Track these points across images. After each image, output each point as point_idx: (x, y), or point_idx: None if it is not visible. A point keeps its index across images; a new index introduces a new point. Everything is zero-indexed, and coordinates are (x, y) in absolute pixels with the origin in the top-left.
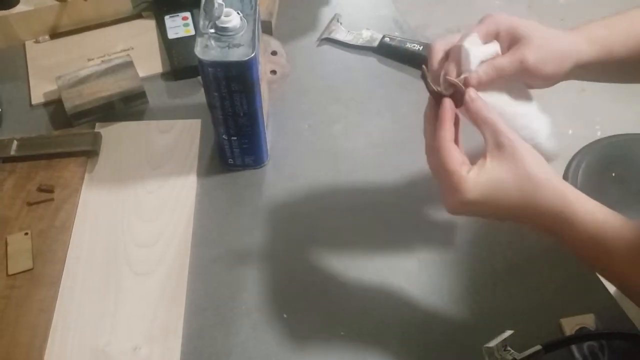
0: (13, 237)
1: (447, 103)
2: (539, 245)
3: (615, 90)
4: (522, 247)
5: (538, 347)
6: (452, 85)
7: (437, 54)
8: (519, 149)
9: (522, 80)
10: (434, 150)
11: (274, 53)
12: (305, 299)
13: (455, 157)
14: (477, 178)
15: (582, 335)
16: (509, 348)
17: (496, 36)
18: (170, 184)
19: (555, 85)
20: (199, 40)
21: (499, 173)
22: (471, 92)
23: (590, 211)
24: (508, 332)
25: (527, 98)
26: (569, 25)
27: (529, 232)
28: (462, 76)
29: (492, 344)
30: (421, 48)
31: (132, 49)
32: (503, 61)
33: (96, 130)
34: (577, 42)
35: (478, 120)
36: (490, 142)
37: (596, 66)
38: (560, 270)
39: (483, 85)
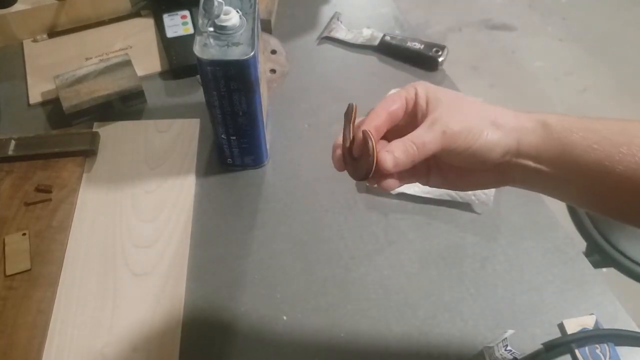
0: (10, 237)
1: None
2: (539, 245)
3: (617, 90)
4: (522, 247)
5: (539, 347)
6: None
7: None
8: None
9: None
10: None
11: (273, 52)
12: (304, 300)
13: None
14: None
15: (583, 336)
16: (510, 348)
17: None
18: (168, 184)
19: (556, 86)
20: (197, 39)
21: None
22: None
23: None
24: (509, 332)
25: None
26: (570, 24)
27: (529, 232)
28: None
29: (493, 343)
30: (422, 47)
31: (131, 47)
32: (422, 134)
33: (94, 129)
34: (520, 120)
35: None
36: (417, 137)
37: (549, 167)
38: (562, 270)
39: (400, 168)
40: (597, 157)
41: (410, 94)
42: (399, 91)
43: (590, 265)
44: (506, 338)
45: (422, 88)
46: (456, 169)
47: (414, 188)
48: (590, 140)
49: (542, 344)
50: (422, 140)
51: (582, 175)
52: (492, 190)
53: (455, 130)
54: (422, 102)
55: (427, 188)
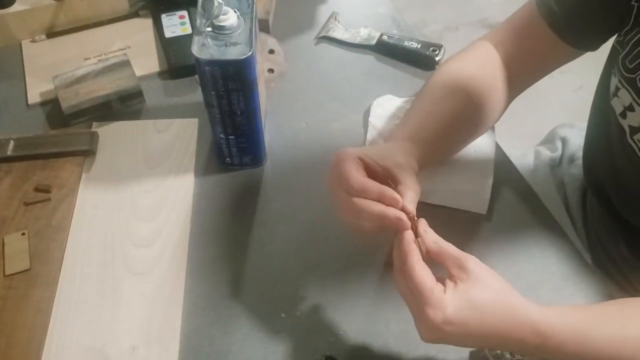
0: (10, 237)
1: (408, 236)
2: (536, 243)
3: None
4: (519, 245)
5: None
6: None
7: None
8: (483, 271)
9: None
10: (405, 272)
11: (271, 51)
12: (303, 299)
13: (430, 276)
14: (454, 296)
15: None
16: None
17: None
18: (167, 183)
19: (551, 83)
20: (196, 38)
21: (474, 293)
22: (423, 226)
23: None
24: None
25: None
26: None
27: (527, 230)
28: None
29: None
30: (419, 46)
31: (129, 47)
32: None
33: (93, 129)
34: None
35: (434, 250)
36: (454, 268)
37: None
38: (559, 268)
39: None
40: None
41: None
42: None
43: (587, 263)
44: None
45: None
46: None
47: None
48: None
49: None
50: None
51: None
52: (489, 190)
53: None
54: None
55: (424, 194)
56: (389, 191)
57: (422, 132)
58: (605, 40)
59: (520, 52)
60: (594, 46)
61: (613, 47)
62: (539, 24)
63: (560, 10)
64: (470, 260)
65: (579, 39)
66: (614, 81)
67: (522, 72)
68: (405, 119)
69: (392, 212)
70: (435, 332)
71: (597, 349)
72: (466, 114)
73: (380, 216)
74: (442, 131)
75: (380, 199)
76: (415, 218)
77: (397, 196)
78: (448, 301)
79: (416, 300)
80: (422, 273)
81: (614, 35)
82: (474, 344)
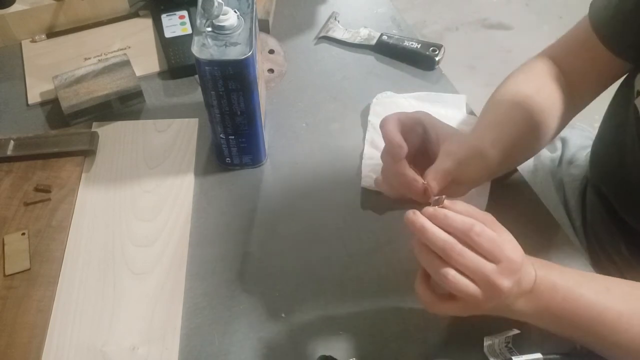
0: (10, 237)
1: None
2: (536, 243)
3: (612, 87)
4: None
5: (538, 355)
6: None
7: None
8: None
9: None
10: (476, 231)
11: (271, 51)
12: (303, 298)
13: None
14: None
15: (586, 352)
16: (511, 346)
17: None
18: (167, 183)
19: None
20: (196, 38)
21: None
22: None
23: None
24: (514, 331)
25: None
26: (566, 23)
27: (526, 230)
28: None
29: (496, 338)
30: (419, 46)
31: (129, 48)
32: (443, 165)
33: (93, 129)
34: (482, 144)
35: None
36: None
37: (500, 167)
38: None
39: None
40: None
41: (418, 131)
42: (410, 127)
43: (588, 263)
44: (509, 336)
45: (428, 124)
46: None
47: None
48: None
49: (542, 353)
50: (445, 169)
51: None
52: (487, 189)
53: (455, 154)
54: (432, 136)
55: None
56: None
57: (495, 140)
58: None
59: (578, 69)
60: None
61: None
62: (592, 40)
63: (612, 26)
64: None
65: (632, 52)
66: None
67: (582, 87)
68: (474, 130)
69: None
70: (514, 277)
71: (584, 305)
72: (529, 127)
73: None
74: (514, 138)
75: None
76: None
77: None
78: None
79: (496, 256)
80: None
81: None
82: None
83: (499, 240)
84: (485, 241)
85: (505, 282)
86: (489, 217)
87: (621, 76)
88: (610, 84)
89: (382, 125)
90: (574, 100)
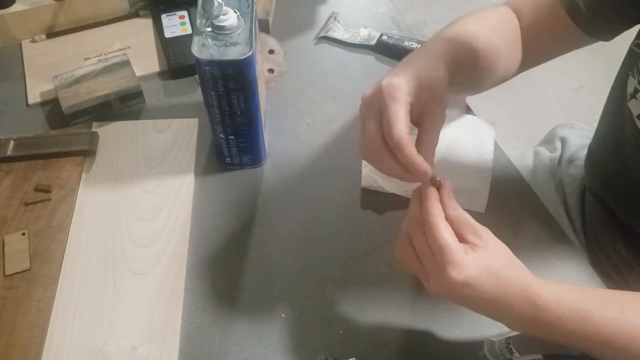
0: (10, 237)
1: (434, 193)
2: (535, 243)
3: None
4: (518, 244)
5: (539, 356)
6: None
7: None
8: (497, 242)
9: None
10: (429, 228)
11: (271, 52)
12: (303, 298)
13: (454, 236)
14: (475, 260)
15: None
16: (511, 347)
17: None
18: (167, 183)
19: (551, 83)
20: (196, 39)
21: (492, 260)
22: (447, 191)
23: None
24: (515, 332)
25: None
26: None
27: (526, 229)
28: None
29: (496, 338)
30: (419, 46)
31: (129, 48)
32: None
33: (93, 129)
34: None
35: (453, 216)
36: (471, 235)
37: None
38: (559, 268)
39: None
40: None
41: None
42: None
43: (588, 263)
44: (510, 337)
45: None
46: None
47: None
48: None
49: (542, 354)
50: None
51: None
52: (488, 189)
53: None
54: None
55: None
56: (419, 160)
57: (459, 54)
58: (621, 32)
59: (536, 30)
60: (609, 37)
61: (631, 49)
62: (558, 7)
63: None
64: (486, 230)
65: (596, 28)
66: (633, 83)
67: (535, 48)
68: (439, 38)
69: (421, 164)
70: (450, 291)
71: (594, 330)
72: (479, 53)
73: (410, 163)
74: (467, 57)
75: (408, 164)
76: (442, 183)
77: (427, 168)
78: (470, 263)
79: (435, 258)
80: (448, 232)
81: (632, 26)
82: (476, 308)
83: (450, 250)
84: (435, 244)
85: (432, 285)
86: (483, 231)
87: (577, 48)
88: (565, 53)
89: (397, 143)
90: (525, 55)
